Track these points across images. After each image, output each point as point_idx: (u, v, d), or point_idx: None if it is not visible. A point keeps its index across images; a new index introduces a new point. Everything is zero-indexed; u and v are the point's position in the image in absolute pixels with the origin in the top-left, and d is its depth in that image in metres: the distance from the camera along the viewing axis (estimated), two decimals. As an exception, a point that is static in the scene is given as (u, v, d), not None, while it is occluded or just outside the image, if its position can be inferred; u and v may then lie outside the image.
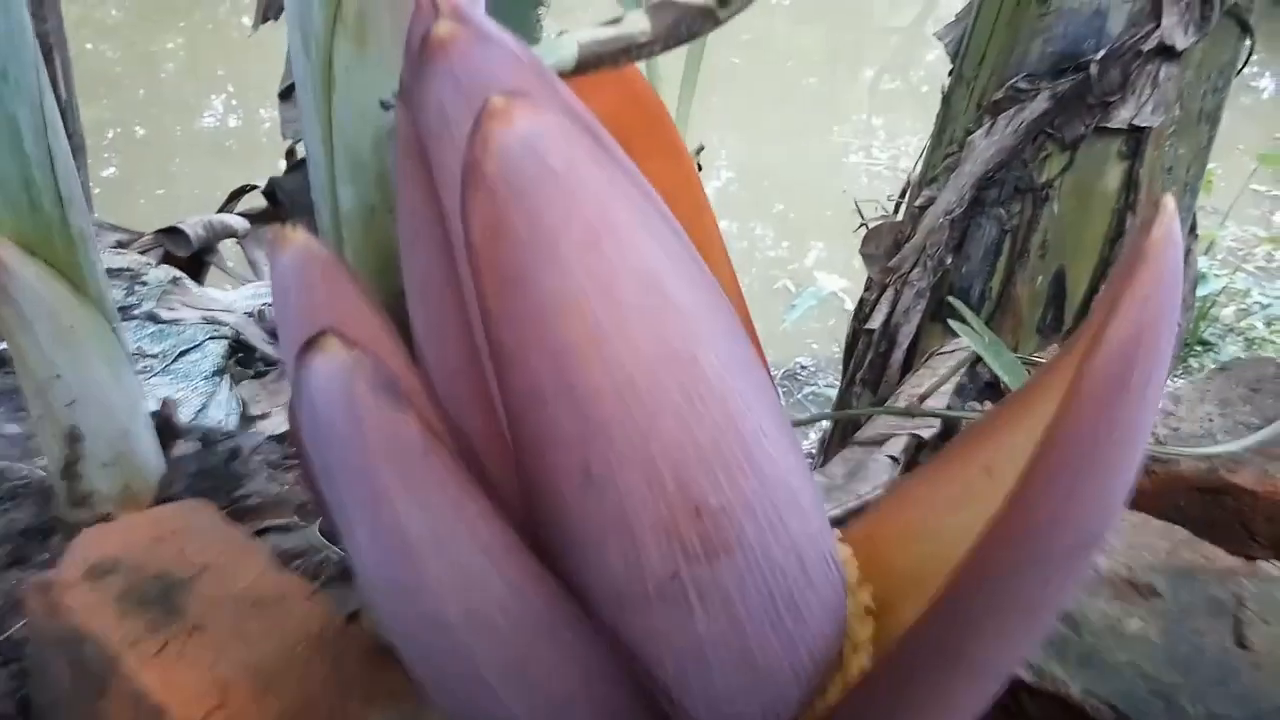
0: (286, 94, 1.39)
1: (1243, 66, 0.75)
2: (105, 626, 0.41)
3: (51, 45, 1.19)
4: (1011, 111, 0.73)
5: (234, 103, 3.00)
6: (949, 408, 0.68)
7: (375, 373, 0.24)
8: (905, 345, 0.78)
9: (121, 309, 0.92)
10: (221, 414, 0.84)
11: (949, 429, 0.66)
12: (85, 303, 0.54)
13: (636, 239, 0.24)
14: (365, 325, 0.28)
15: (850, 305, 1.88)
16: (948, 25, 0.83)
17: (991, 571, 0.25)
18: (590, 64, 0.28)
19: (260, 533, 0.57)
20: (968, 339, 0.55)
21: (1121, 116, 0.71)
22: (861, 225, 0.84)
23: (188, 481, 0.61)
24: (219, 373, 0.89)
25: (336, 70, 0.30)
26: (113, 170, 2.50)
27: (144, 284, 1.01)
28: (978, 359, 0.68)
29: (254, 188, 1.36)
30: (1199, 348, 1.54)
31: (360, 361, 0.24)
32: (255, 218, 1.26)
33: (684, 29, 0.28)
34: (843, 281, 1.96)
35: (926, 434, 0.64)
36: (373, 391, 0.24)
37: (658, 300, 0.24)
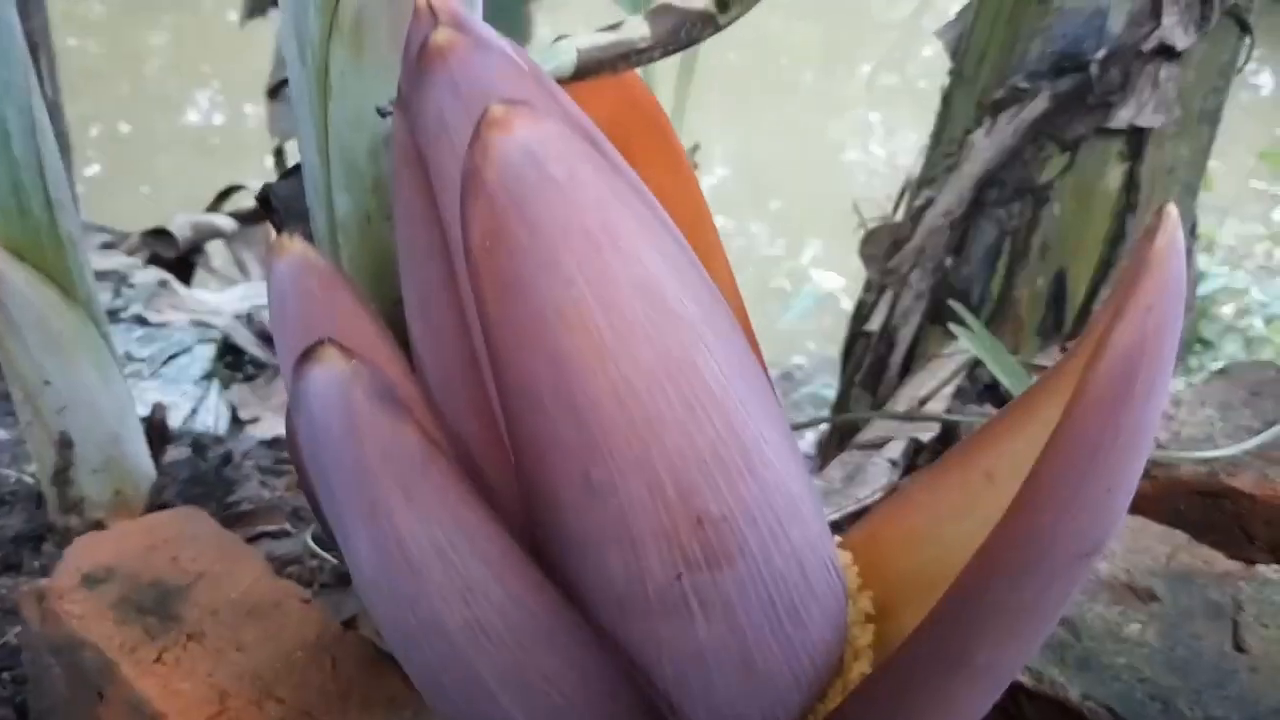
0: (275, 92, 1.38)
1: (1243, 66, 0.75)
2: (102, 634, 0.41)
3: (37, 43, 1.19)
4: (1011, 111, 0.73)
5: (219, 99, 2.99)
6: (949, 411, 0.68)
7: (373, 382, 0.24)
8: (904, 347, 0.78)
9: (109, 312, 0.92)
10: (211, 418, 0.84)
11: (948, 432, 0.66)
12: (74, 308, 0.54)
13: (637, 247, 0.24)
14: (363, 334, 0.28)
15: (847, 304, 1.88)
16: (947, 24, 0.83)
17: (995, 577, 0.25)
18: (589, 70, 0.28)
19: (253, 539, 0.57)
20: (968, 342, 0.55)
21: (1122, 117, 0.71)
22: (861, 226, 0.84)
23: (179, 487, 0.61)
24: (208, 376, 0.89)
25: (332, 77, 0.29)
26: (96, 168, 2.49)
27: (131, 286, 1.00)
28: (977, 362, 0.68)
29: (241, 188, 1.36)
30: (1198, 346, 1.55)
31: (358, 371, 0.24)
32: (243, 218, 1.26)
33: (684, 34, 0.28)
34: (840, 280, 1.96)
35: (926, 437, 0.64)
36: (371, 400, 0.24)
37: (658, 308, 0.24)
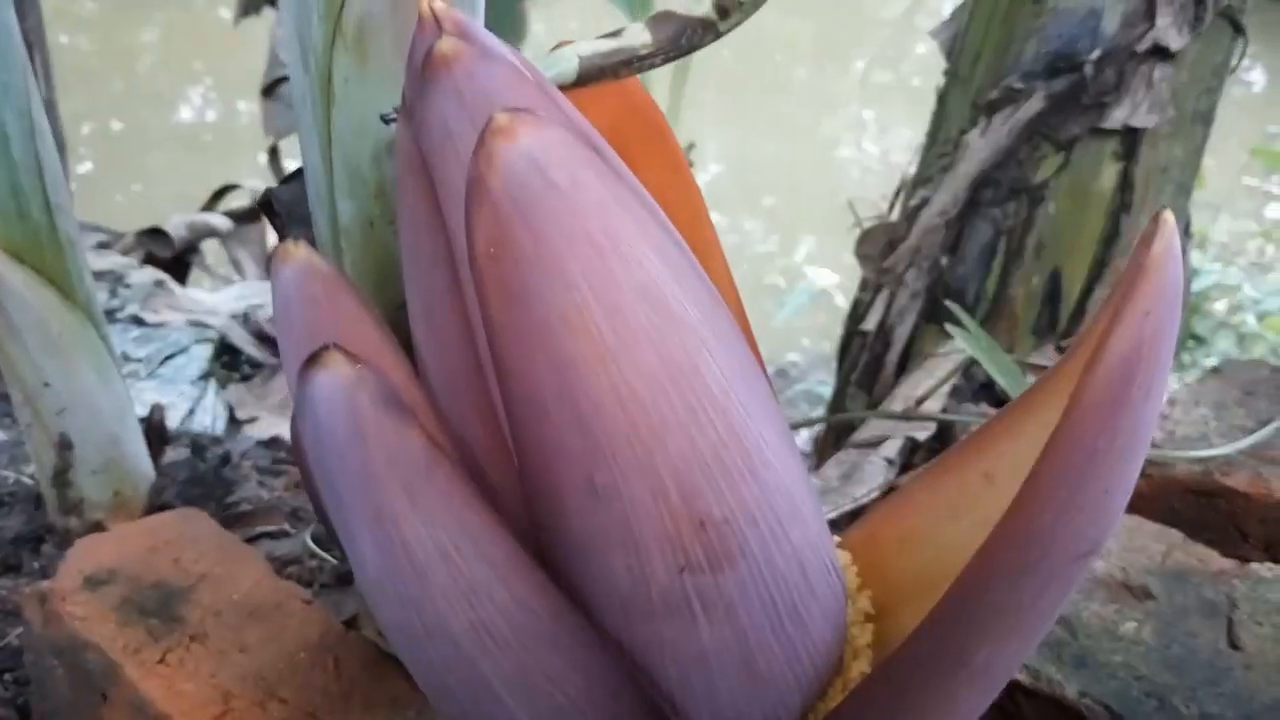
0: (269, 90, 1.38)
1: (1236, 66, 0.76)
2: (105, 635, 0.41)
3: (32, 43, 1.18)
4: (1006, 111, 0.73)
5: (212, 96, 2.98)
6: (945, 410, 0.69)
7: (378, 387, 0.24)
8: (900, 346, 0.78)
9: (105, 312, 0.92)
10: (209, 419, 0.84)
11: (944, 431, 0.66)
12: (74, 310, 0.54)
13: (640, 253, 0.24)
14: (367, 339, 0.28)
15: (841, 301, 1.89)
16: (942, 24, 0.83)
17: (995, 577, 0.26)
18: (591, 76, 0.29)
19: (252, 539, 0.57)
20: (964, 341, 0.55)
21: (1116, 117, 0.71)
22: (856, 225, 0.85)
23: (178, 488, 0.61)
24: (205, 377, 0.89)
25: (336, 84, 0.30)
26: (89, 166, 2.48)
27: (128, 286, 1.00)
28: (973, 361, 0.69)
29: (236, 187, 1.36)
30: (1190, 342, 1.55)
31: (363, 376, 0.24)
32: (238, 217, 1.26)
33: (685, 41, 0.28)
34: (834, 277, 1.96)
35: (922, 436, 0.64)
36: (376, 405, 0.24)
37: (661, 313, 0.24)
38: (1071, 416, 0.24)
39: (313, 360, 0.24)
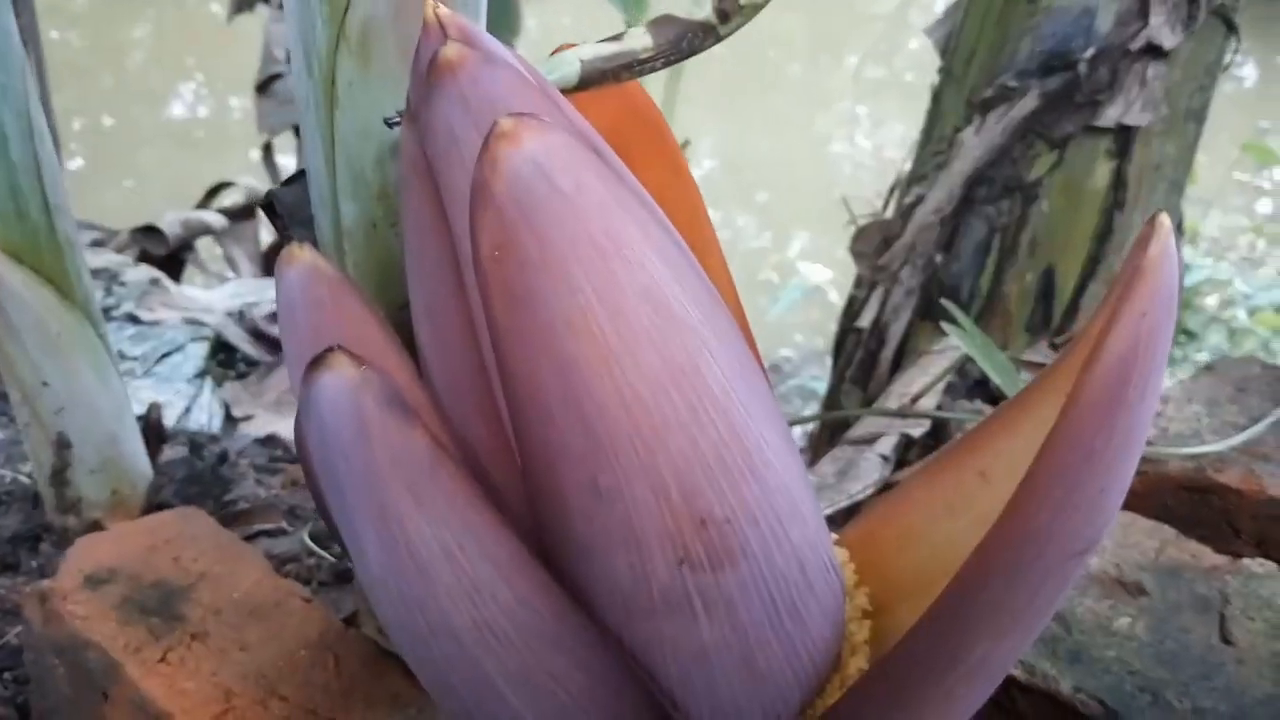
0: (263, 88, 1.38)
1: (1229, 64, 0.76)
2: (106, 634, 0.41)
3: (26, 41, 1.18)
4: (1001, 110, 0.73)
5: (204, 92, 2.97)
6: (939, 407, 0.69)
7: (383, 388, 0.24)
8: (895, 343, 0.78)
9: (101, 310, 0.92)
10: (205, 417, 0.84)
11: (939, 428, 0.66)
12: (72, 309, 0.54)
13: (642, 256, 0.24)
14: (371, 340, 0.29)
15: (834, 297, 1.89)
16: (936, 22, 0.83)
17: (991, 575, 0.26)
18: (593, 80, 0.29)
19: (250, 537, 0.57)
20: (958, 338, 0.55)
21: (1110, 115, 0.72)
22: (850, 221, 0.85)
23: (176, 487, 0.61)
24: (201, 375, 0.89)
25: (339, 87, 0.30)
26: (80, 162, 2.47)
27: (123, 284, 1.00)
28: (968, 358, 0.69)
29: (230, 184, 1.36)
30: (1182, 337, 1.56)
31: (368, 377, 0.24)
32: (232, 214, 1.26)
33: (685, 45, 0.29)
34: (827, 273, 1.96)
35: (916, 433, 0.65)
36: (380, 406, 0.24)
37: (663, 316, 0.24)
38: (1068, 416, 0.24)
39: (317, 362, 0.24)
